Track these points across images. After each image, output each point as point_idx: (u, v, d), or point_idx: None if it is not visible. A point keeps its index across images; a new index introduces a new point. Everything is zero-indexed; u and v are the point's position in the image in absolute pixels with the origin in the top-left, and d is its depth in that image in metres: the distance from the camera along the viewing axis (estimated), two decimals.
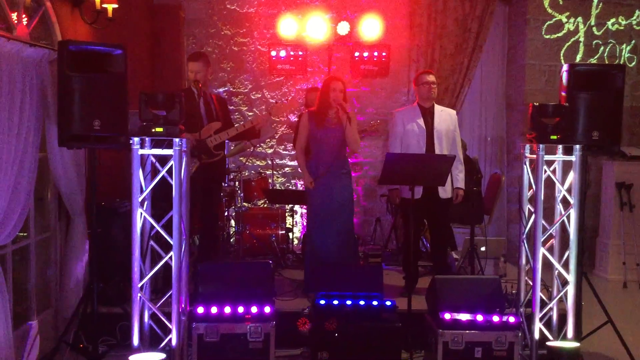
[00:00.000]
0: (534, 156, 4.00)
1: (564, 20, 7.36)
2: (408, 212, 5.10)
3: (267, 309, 3.96)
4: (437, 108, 5.22)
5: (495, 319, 3.96)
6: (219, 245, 6.04)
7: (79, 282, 4.49)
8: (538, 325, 3.99)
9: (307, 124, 5.00)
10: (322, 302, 4.15)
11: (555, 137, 3.94)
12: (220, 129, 5.08)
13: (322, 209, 4.97)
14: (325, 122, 4.93)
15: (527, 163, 4.17)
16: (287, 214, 6.73)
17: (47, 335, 4.38)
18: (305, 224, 7.51)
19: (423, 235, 6.32)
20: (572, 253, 4.00)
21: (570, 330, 4.00)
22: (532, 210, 4.07)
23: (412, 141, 5.12)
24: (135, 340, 3.64)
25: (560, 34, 7.37)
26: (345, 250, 5.00)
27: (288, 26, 7.06)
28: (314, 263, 4.85)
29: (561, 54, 7.38)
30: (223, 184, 6.37)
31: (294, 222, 6.92)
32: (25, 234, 4.18)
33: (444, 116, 5.19)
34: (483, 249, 5.62)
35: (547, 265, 4.10)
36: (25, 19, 4.11)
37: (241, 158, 7.33)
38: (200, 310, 3.92)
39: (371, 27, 7.07)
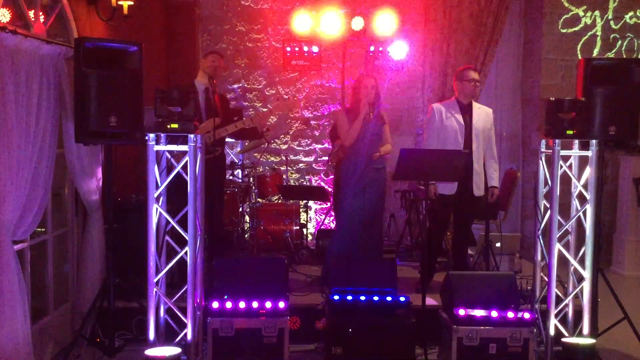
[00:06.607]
0: (550, 151, 3.97)
1: (581, 14, 7.28)
2: (439, 208, 5.07)
3: (282, 304, 3.97)
4: (475, 105, 5.14)
5: (510, 315, 3.94)
6: (226, 241, 6.02)
7: (95, 276, 4.53)
8: (553, 322, 3.97)
9: (345, 120, 4.98)
10: (336, 297, 4.15)
11: (571, 132, 3.91)
12: (219, 125, 5.05)
13: (355, 206, 4.93)
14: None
15: (543, 158, 4.14)
16: (301, 210, 6.73)
17: (65, 329, 4.44)
18: (319, 219, 7.53)
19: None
20: (588, 249, 3.97)
21: (586, 327, 3.97)
22: (548, 206, 4.04)
23: (449, 137, 4.99)
24: (151, 335, 3.68)
25: (577, 28, 7.29)
26: (372, 251, 4.97)
27: (302, 22, 7.05)
28: (338, 258, 4.72)
29: (578, 49, 7.31)
30: (236, 179, 6.38)
31: (308, 218, 6.93)
32: (43, 230, 4.23)
33: (482, 114, 5.10)
34: (498, 244, 5.59)
35: (563, 261, 4.06)
36: (42, 16, 4.16)
37: (255, 154, 7.34)
38: (215, 305, 3.94)
39: (386, 22, 7.04)
